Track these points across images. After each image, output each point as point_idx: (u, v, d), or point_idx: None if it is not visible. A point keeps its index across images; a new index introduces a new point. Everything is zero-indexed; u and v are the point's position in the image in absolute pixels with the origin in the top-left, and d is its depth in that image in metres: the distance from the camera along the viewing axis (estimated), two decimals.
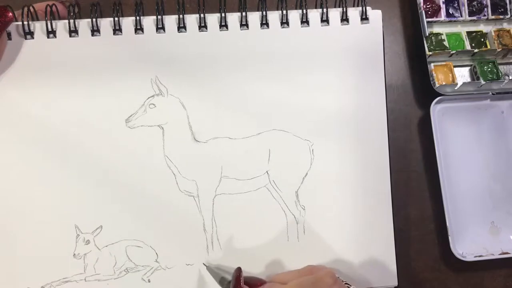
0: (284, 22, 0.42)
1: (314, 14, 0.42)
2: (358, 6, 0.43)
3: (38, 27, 0.40)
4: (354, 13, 0.42)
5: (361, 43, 0.43)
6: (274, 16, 0.42)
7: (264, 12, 0.42)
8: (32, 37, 0.40)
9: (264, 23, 0.42)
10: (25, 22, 0.40)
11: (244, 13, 0.41)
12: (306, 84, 0.42)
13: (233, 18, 0.42)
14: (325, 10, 0.42)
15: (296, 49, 0.42)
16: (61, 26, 0.41)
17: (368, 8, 0.42)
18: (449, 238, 0.43)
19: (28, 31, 0.40)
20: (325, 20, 0.42)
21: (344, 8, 0.42)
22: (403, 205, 0.47)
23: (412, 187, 0.47)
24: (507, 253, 0.45)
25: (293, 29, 0.42)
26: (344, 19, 0.42)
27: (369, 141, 0.42)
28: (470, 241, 0.45)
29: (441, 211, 0.44)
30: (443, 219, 0.44)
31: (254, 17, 0.42)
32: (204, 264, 0.41)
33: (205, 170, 0.41)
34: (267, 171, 0.42)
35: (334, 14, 0.42)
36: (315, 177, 0.42)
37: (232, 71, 0.42)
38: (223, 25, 0.41)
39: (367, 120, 0.42)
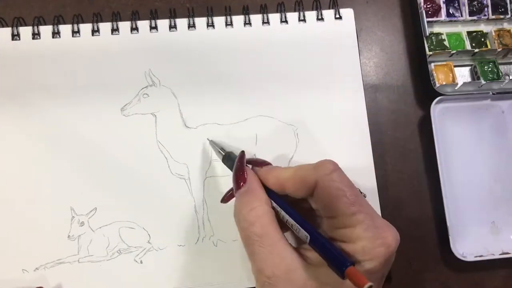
0: (266, 22, 0.46)
1: (292, 14, 0.47)
2: (331, 8, 0.47)
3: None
4: (328, 12, 0.47)
5: (335, 36, 0.47)
6: (256, 17, 0.46)
7: (248, 16, 0.46)
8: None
9: (248, 23, 0.46)
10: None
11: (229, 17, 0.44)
12: (287, 75, 0.45)
13: (219, 20, 0.46)
14: (301, 13, 0.47)
15: (276, 43, 0.46)
16: (64, 28, 0.45)
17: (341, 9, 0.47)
18: (449, 238, 0.43)
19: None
20: (302, 20, 0.47)
21: (320, 10, 0.47)
22: (403, 205, 0.47)
23: (412, 187, 0.47)
24: (507, 253, 0.44)
25: (273, 27, 0.47)
26: (320, 18, 0.47)
27: (350, 133, 0.45)
28: (470, 241, 0.45)
29: (441, 211, 0.44)
30: (443, 219, 0.44)
31: (238, 19, 0.46)
32: (207, 139, 0.43)
33: (195, 154, 0.43)
34: (254, 154, 0.43)
35: (311, 14, 0.47)
36: (300, 160, 0.44)
37: (219, 62, 0.45)
38: (210, 25, 0.46)
39: (346, 110, 0.45)
